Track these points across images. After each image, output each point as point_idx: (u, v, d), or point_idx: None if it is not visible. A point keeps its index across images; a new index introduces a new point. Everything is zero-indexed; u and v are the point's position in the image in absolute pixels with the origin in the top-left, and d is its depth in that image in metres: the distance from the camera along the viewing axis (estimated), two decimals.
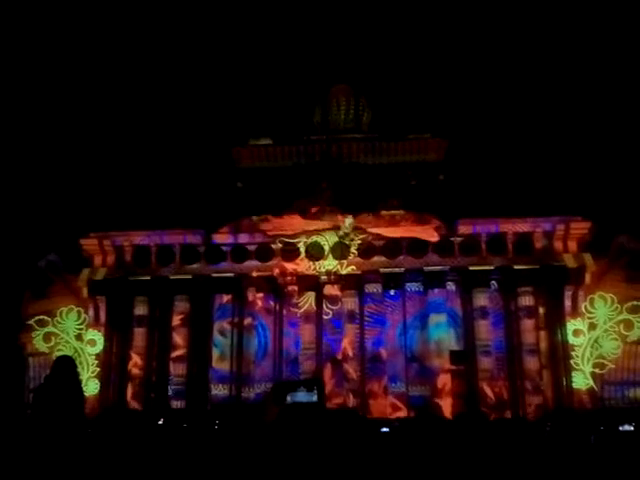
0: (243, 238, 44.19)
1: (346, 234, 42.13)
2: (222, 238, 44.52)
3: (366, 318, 43.37)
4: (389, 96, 57.47)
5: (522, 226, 42.49)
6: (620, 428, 29.58)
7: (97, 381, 42.85)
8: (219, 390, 42.36)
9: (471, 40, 66.77)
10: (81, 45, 63.49)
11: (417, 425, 31.71)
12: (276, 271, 43.51)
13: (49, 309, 44.72)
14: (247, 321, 44.33)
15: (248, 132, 51.62)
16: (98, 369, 43.15)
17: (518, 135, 57.59)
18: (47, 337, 43.99)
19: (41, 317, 44.37)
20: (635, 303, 41.07)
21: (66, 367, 8.97)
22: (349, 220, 42.54)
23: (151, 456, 19.60)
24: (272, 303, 44.44)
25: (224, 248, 44.06)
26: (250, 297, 44.44)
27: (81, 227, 45.72)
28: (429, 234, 42.36)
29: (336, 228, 42.93)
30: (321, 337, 43.78)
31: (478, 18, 68.45)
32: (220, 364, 42.99)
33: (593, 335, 41.27)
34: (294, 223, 43.34)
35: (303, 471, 15.01)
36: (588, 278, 41.19)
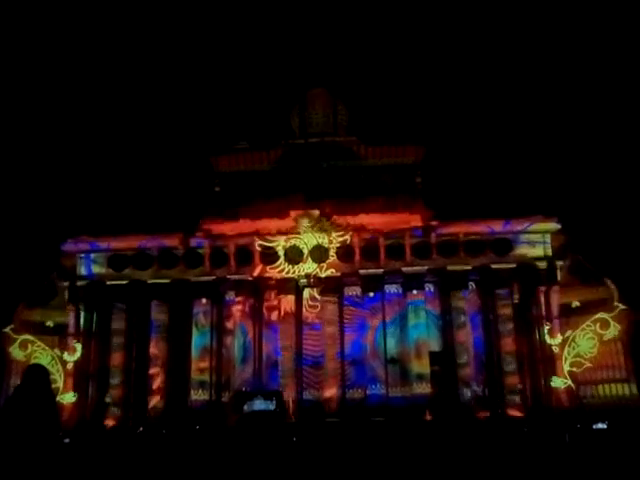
0: (222, 242, 44.03)
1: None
2: (200, 242, 44.32)
3: (346, 321, 43.42)
4: (366, 99, 57.70)
5: (499, 227, 42.87)
6: (594, 427, 29.93)
7: (75, 390, 42.28)
8: (198, 395, 42.11)
9: (449, 44, 67.29)
10: (60, 53, 62.88)
11: (396, 426, 31.92)
12: (255, 275, 43.44)
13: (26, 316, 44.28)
14: (226, 325, 44.20)
15: (225, 136, 51.46)
16: (76, 377, 42.56)
17: (495, 137, 58.17)
18: (23, 345, 43.40)
19: (18, 324, 43.91)
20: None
21: (37, 376, 8.84)
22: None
23: (131, 463, 19.48)
24: (251, 307, 44.31)
25: (202, 252, 43.88)
26: (229, 300, 44.31)
27: (58, 233, 45.30)
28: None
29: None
30: (301, 341, 43.79)
31: (454, 24, 69.05)
32: (199, 369, 42.75)
33: (570, 334, 41.75)
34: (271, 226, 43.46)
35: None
36: (563, 278, 41.80)
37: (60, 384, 41.84)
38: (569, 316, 42.27)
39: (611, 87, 57.91)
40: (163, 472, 17.03)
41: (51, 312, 44.42)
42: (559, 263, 42.15)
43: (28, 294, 44.85)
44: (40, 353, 43.19)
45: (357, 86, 59.39)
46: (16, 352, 43.25)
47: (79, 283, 43.69)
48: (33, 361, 38.62)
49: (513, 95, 62.54)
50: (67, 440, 26.87)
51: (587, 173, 52.14)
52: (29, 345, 43.39)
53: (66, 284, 43.95)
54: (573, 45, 60.75)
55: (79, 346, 42.92)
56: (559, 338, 41.36)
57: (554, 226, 42.66)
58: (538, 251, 42.53)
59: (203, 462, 19.55)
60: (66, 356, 42.84)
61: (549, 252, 42.46)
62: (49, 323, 44.11)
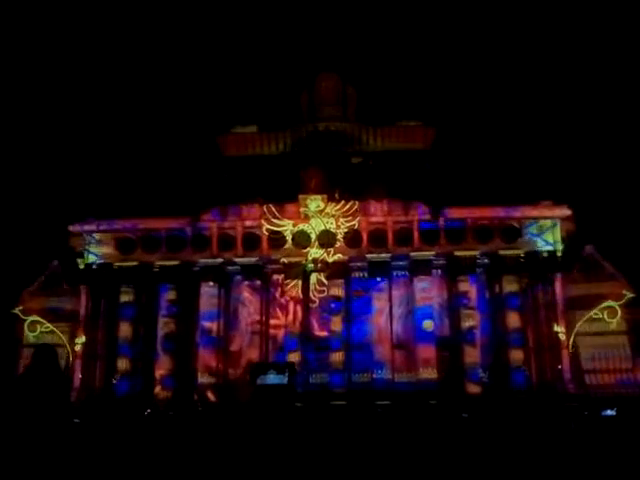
0: (229, 225, 44.06)
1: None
2: (208, 225, 44.35)
3: (353, 305, 43.43)
4: (376, 84, 57.29)
5: (508, 213, 42.65)
6: (602, 414, 29.84)
7: (82, 370, 42.52)
8: (205, 378, 42.30)
9: (459, 30, 66.65)
10: (64, 36, 62.61)
11: (401, 410, 32.02)
12: (262, 258, 43.47)
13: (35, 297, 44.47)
14: (233, 308, 44.34)
15: (234, 119, 51.28)
16: (84, 359, 42.77)
17: (505, 124, 57.70)
18: (32, 326, 43.62)
19: (27, 306, 44.12)
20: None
21: (46, 356, 8.88)
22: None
23: (139, 445, 19.61)
24: (258, 290, 44.38)
25: (210, 235, 43.91)
26: (236, 284, 44.42)
27: (66, 215, 45.35)
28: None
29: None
30: (308, 324, 43.87)
31: (465, 7, 68.30)
32: (206, 351, 42.98)
33: (577, 322, 41.58)
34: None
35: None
36: (572, 265, 41.67)
37: (69, 365, 42.10)
38: (577, 303, 42.08)
39: (631, 70, 57.25)
40: (169, 452, 17.11)
41: (56, 298, 44.43)
42: (568, 251, 41.97)
43: (33, 280, 44.89)
44: (49, 334, 43.37)
45: (367, 71, 58.88)
46: (25, 333, 43.49)
47: (87, 265, 43.84)
48: (42, 342, 38.83)
49: (525, 81, 61.98)
50: (76, 420, 27.06)
51: (600, 160, 51.69)
52: (37, 326, 43.62)
53: (74, 266, 44.12)
54: (583, 35, 60.04)
55: (82, 334, 42.97)
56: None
57: (564, 213, 42.38)
58: (547, 238, 42.34)
59: (207, 444, 19.67)
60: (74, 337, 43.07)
61: (558, 239, 42.26)
62: (54, 305, 44.09)
